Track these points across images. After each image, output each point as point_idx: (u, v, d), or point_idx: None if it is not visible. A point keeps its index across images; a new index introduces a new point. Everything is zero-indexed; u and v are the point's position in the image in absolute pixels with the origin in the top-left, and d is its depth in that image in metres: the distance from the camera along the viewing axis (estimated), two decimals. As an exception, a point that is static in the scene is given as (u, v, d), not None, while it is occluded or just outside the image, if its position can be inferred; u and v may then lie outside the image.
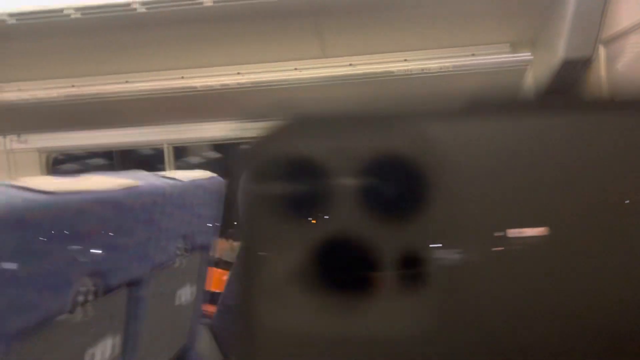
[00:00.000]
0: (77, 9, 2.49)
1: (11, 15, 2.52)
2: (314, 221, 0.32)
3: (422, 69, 2.70)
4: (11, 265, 0.60)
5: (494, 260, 0.33)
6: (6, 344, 0.60)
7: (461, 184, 0.32)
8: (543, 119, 0.35)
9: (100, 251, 0.83)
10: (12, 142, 3.24)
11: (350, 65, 2.85)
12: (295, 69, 2.88)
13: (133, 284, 0.95)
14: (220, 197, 1.32)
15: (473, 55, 2.76)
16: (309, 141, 0.32)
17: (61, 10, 2.49)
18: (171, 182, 1.06)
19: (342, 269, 0.32)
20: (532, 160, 0.34)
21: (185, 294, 1.23)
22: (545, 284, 0.34)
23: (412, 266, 0.31)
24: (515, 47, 2.71)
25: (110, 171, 3.58)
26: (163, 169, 3.44)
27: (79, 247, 0.76)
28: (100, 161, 4.11)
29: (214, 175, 1.29)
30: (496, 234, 0.32)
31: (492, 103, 0.34)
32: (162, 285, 1.10)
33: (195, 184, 1.17)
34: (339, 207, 0.31)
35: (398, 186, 0.32)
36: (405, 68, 2.73)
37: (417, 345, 0.31)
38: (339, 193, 0.31)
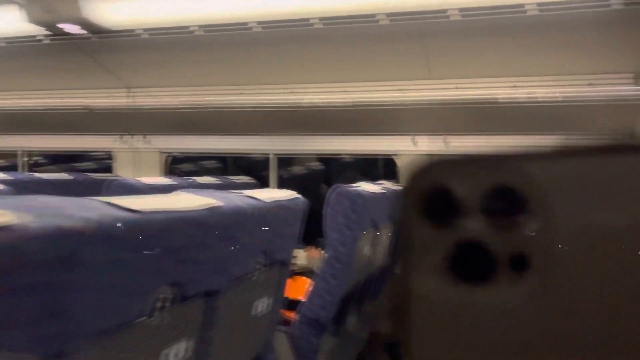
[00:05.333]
0: (200, 27, 2.72)
1: (145, 30, 2.81)
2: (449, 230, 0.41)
3: (530, 98, 2.59)
4: (95, 273, 0.70)
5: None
6: (89, 341, 0.70)
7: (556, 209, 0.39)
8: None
9: (180, 264, 0.92)
10: (138, 142, 3.57)
11: (457, 88, 2.81)
12: (400, 89, 2.90)
13: (210, 294, 1.03)
14: (302, 216, 1.38)
15: (590, 84, 2.59)
16: (445, 175, 0.42)
17: (187, 27, 2.73)
18: (254, 202, 1.14)
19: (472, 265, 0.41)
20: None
21: (262, 305, 1.30)
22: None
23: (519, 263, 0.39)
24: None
25: (221, 174, 3.83)
26: (267, 176, 3.64)
27: (160, 259, 0.86)
28: (213, 163, 4.42)
29: (297, 195, 1.35)
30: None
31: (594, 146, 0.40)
32: (239, 296, 1.18)
33: (277, 204, 1.24)
34: (468, 219, 0.40)
35: (508, 206, 0.40)
36: (512, 95, 2.63)
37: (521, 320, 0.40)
38: (468, 210, 0.40)
